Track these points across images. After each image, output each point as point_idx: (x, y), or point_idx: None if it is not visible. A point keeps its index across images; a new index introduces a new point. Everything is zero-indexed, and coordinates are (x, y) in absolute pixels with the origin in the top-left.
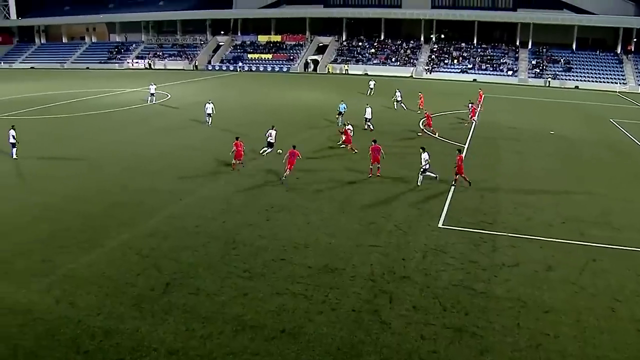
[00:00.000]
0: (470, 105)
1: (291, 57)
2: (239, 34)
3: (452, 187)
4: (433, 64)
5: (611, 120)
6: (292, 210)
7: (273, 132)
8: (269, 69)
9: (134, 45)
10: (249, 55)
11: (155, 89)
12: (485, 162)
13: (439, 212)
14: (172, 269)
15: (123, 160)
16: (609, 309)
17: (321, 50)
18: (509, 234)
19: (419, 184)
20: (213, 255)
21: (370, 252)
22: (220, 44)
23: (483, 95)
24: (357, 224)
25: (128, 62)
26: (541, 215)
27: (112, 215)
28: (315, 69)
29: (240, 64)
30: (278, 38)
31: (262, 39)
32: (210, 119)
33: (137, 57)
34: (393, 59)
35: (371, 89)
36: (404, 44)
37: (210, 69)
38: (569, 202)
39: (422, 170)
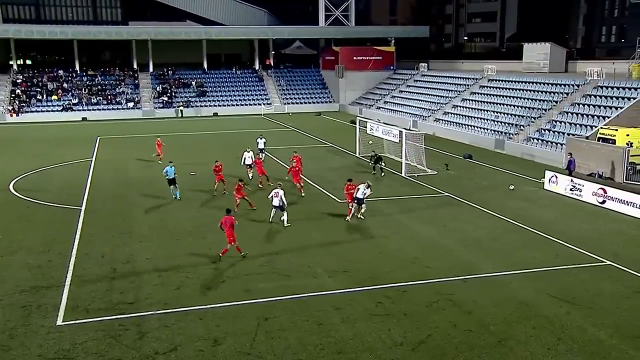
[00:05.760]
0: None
1: None
2: None
3: (72, 267)
4: (20, 102)
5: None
6: None
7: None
8: None
9: None
10: None
11: None
12: (114, 224)
13: (55, 304)
14: None
15: None
16: None
17: None
18: (158, 312)
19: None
20: None
21: None
22: None
23: (301, 159)
24: None
25: None
26: (196, 278)
27: None
28: None
29: None
30: None
31: None
32: None
33: None
34: None
35: None
36: None
37: None
38: (229, 255)
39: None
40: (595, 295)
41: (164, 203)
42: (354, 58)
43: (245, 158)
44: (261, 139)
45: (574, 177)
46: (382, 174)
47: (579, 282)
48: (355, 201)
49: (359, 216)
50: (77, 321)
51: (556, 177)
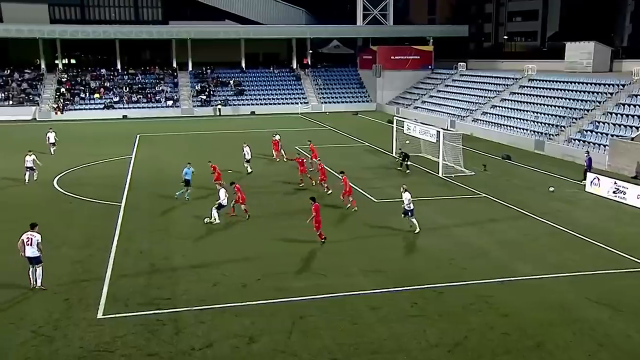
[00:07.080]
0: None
1: None
2: None
3: (111, 262)
4: (65, 100)
5: (296, 148)
6: None
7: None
8: None
9: None
10: None
11: None
12: (152, 221)
13: (96, 297)
14: None
15: None
16: None
17: None
18: (194, 308)
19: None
20: None
21: None
22: None
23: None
24: None
25: None
26: (231, 276)
27: None
28: None
29: None
30: None
31: None
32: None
33: None
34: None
35: (52, 143)
36: (17, 75)
37: None
38: (264, 253)
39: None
40: None
41: (201, 199)
42: (392, 57)
43: (245, 153)
44: (275, 135)
45: (614, 177)
46: (407, 171)
47: (622, 287)
48: (403, 213)
49: (414, 230)
50: (117, 315)
51: (598, 179)
